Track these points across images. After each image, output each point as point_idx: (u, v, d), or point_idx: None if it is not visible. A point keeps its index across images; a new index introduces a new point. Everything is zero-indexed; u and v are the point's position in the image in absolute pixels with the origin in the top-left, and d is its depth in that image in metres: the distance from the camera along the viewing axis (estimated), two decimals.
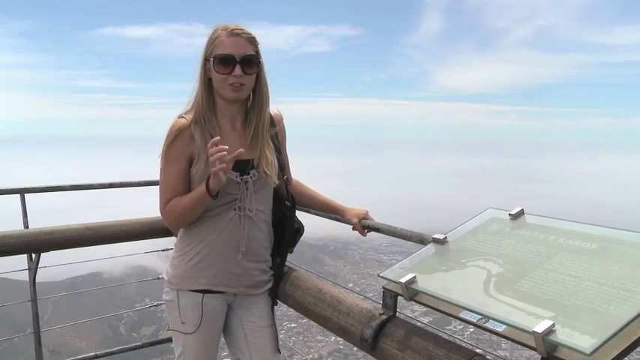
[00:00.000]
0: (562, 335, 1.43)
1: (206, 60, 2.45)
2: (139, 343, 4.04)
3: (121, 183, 3.99)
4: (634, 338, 1.39)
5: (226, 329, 2.75)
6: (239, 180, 2.49)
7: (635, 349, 1.40)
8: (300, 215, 2.97)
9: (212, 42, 2.43)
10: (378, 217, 2.79)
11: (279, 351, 2.76)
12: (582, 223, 1.93)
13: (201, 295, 2.57)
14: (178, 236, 2.67)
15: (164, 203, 2.49)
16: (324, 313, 2.37)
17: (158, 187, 2.53)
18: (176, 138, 2.41)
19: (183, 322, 2.58)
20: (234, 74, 2.39)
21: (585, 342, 1.37)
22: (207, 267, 2.55)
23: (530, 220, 2.09)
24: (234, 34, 2.41)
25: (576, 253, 1.77)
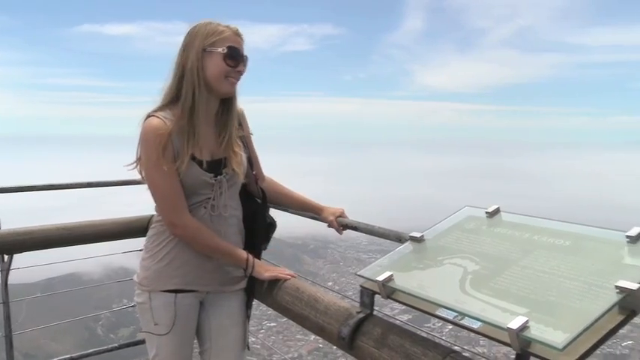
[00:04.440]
0: (536, 331, 1.45)
1: (203, 50, 2.37)
2: (116, 345, 3.99)
3: (98, 182, 3.94)
4: (604, 332, 1.43)
5: (196, 327, 2.73)
6: (213, 181, 2.47)
7: (605, 342, 1.42)
8: (279, 214, 2.97)
9: (216, 33, 2.37)
10: (357, 216, 2.80)
11: (247, 348, 2.75)
12: (557, 220, 1.96)
13: (174, 295, 2.54)
14: (147, 236, 2.64)
15: (173, 211, 2.42)
16: (301, 312, 2.36)
17: (150, 191, 2.45)
18: (165, 141, 2.34)
19: (156, 324, 2.55)
20: (238, 69, 2.42)
21: (558, 337, 1.39)
22: (179, 266, 2.52)
23: (506, 218, 2.11)
24: (238, 34, 2.43)
25: (551, 250, 1.79)
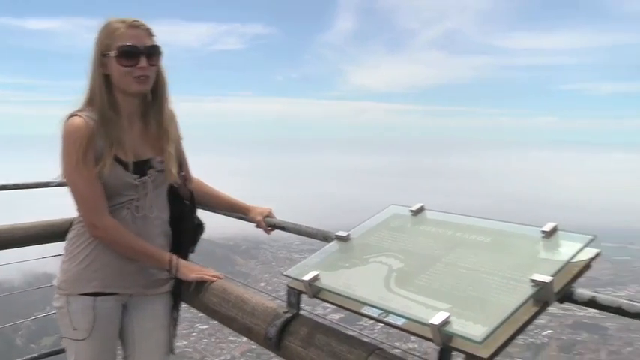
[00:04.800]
0: (457, 325, 1.49)
1: (102, 55, 2.31)
2: (36, 355, 3.81)
3: (16, 185, 3.77)
4: (520, 324, 1.49)
5: (119, 331, 2.64)
6: (137, 183, 2.41)
7: (520, 333, 1.49)
8: (208, 215, 2.93)
9: (109, 35, 2.29)
10: (286, 215, 2.80)
11: (172, 352, 2.70)
12: (478, 217, 2.02)
13: (93, 298, 2.45)
14: (67, 239, 2.55)
15: (94, 212, 2.35)
16: (228, 314, 2.34)
17: (71, 192, 2.36)
18: (86, 142, 2.26)
19: (75, 329, 2.45)
20: (139, 66, 2.29)
21: (477, 330, 1.44)
22: (99, 268, 2.44)
23: (430, 216, 2.16)
24: (134, 26, 2.32)
25: (472, 247, 1.85)
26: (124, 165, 2.35)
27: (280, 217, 2.82)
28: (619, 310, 1.51)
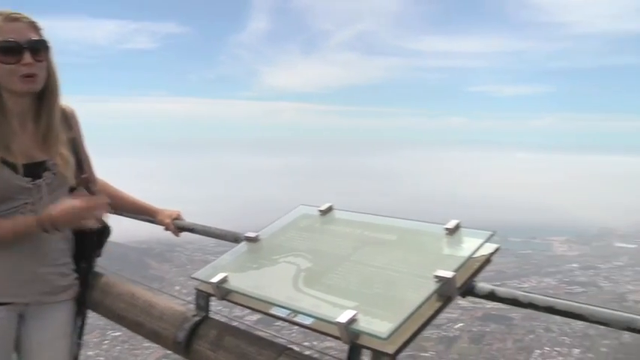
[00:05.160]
0: (363, 323, 1.51)
1: None
2: None
3: None
4: (424, 319, 1.54)
5: (16, 344, 2.49)
6: (30, 185, 2.28)
7: (425, 328, 1.53)
8: (118, 219, 2.83)
9: None
10: (199, 217, 2.75)
11: None
12: (385, 216, 2.06)
13: None
14: None
15: None
16: (136, 319, 2.27)
17: None
18: None
19: None
20: (23, 62, 2.12)
21: (383, 327, 1.46)
22: None
23: (339, 216, 2.18)
24: (13, 18, 2.14)
25: (379, 245, 1.89)
26: (13, 167, 2.22)
27: (192, 219, 2.77)
28: (515, 302, 1.58)
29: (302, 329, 1.68)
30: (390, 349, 1.45)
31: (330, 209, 2.19)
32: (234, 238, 2.31)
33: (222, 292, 1.90)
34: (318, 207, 2.20)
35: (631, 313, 1.43)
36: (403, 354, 1.49)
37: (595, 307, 1.48)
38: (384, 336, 1.43)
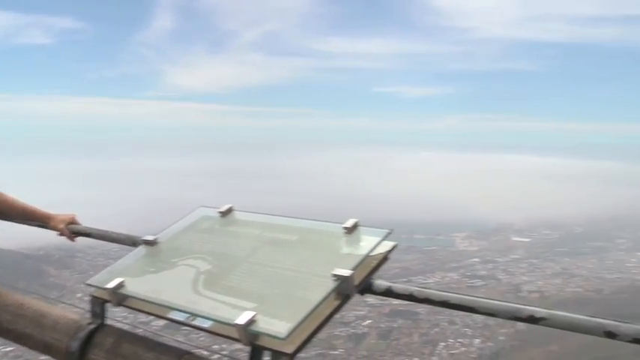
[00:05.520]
0: (262, 324, 1.51)
1: None
2: None
3: None
4: (323, 318, 1.56)
5: None
6: None
7: (324, 326, 1.55)
8: (9, 225, 2.68)
9: None
10: (100, 221, 2.65)
11: None
12: (286, 216, 2.06)
13: None
14: None
15: None
16: (25, 331, 2.15)
17: None
18: None
19: None
20: None
21: (282, 327, 1.47)
22: None
23: (239, 217, 2.17)
24: None
25: (279, 245, 1.89)
26: None
27: (91, 222, 2.66)
28: (411, 297, 1.63)
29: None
30: (289, 349, 1.46)
31: (230, 210, 2.17)
32: (132, 242, 2.24)
33: (119, 297, 1.84)
34: (218, 208, 2.18)
35: (516, 304, 1.52)
36: (313, 353, 1.50)
37: (485, 300, 1.55)
38: (282, 336, 1.44)
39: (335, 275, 1.59)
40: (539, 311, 1.48)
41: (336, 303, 1.60)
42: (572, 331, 1.47)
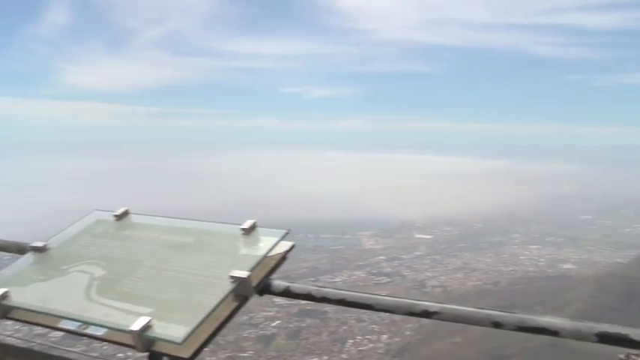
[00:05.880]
0: (159, 329, 1.48)
1: None
2: None
3: None
4: (221, 320, 1.55)
5: None
6: None
7: (222, 329, 1.54)
8: None
9: None
10: None
11: None
12: (183, 218, 2.03)
13: None
14: None
15: None
16: None
17: None
18: None
19: None
20: None
21: (179, 332, 1.44)
22: None
23: (136, 220, 2.11)
24: None
25: (176, 248, 1.86)
26: None
27: None
28: (309, 297, 1.65)
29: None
30: (186, 354, 1.44)
31: (126, 214, 2.11)
32: (18, 249, 2.12)
33: (3, 309, 1.74)
34: (113, 212, 2.11)
35: (411, 299, 1.57)
36: (223, 356, 1.48)
37: (381, 297, 1.59)
38: (179, 340, 1.42)
39: (232, 277, 1.58)
40: (433, 306, 1.54)
41: (234, 305, 1.59)
42: (463, 323, 1.54)
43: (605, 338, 1.33)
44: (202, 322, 1.48)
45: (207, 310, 1.50)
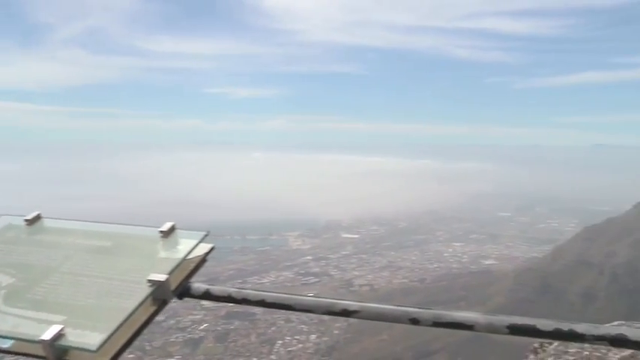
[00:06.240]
0: (72, 337, 1.42)
1: None
2: None
3: None
4: (139, 325, 1.51)
5: None
6: None
7: (140, 334, 1.50)
8: None
9: None
10: None
11: None
12: (100, 222, 1.96)
13: None
14: None
15: None
16: None
17: None
18: None
19: None
20: None
21: (93, 339, 1.39)
22: None
23: (48, 224, 2.02)
24: None
25: (92, 253, 1.79)
26: None
27: None
28: (230, 299, 1.63)
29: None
30: None
31: (38, 218, 2.02)
32: None
33: None
34: (24, 216, 2.01)
35: (330, 299, 1.59)
36: None
37: (300, 297, 1.60)
38: (93, 348, 1.37)
39: (150, 281, 1.55)
40: (352, 304, 1.56)
41: (153, 309, 1.55)
42: (383, 320, 1.57)
43: (515, 330, 1.39)
44: (119, 327, 1.43)
45: (124, 315, 1.46)
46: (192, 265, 1.70)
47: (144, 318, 1.53)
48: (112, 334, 1.42)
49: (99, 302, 1.56)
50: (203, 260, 1.75)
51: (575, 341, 1.39)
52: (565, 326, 1.36)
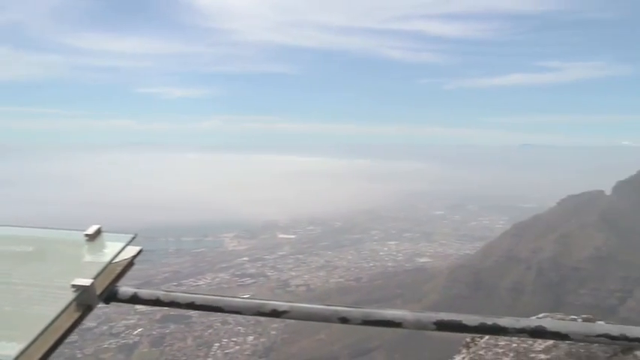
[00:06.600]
0: None
1: None
2: None
3: None
4: (62, 332, 1.45)
5: None
6: None
7: (63, 341, 1.45)
8: None
9: None
10: None
11: None
12: (20, 226, 1.88)
13: None
14: None
15: None
16: None
17: None
18: None
19: None
20: None
21: (11, 349, 1.34)
22: None
23: None
24: None
25: (11, 258, 1.71)
26: None
27: None
28: (158, 302, 1.60)
29: None
30: None
31: None
32: None
33: None
34: None
35: (259, 299, 1.57)
36: None
37: (229, 298, 1.58)
38: (11, 358, 1.31)
39: (74, 286, 1.50)
40: (282, 305, 1.56)
41: (77, 315, 1.50)
42: (313, 320, 1.57)
43: (442, 326, 1.42)
44: (39, 336, 1.38)
45: (46, 322, 1.40)
46: (119, 269, 1.65)
47: (67, 325, 1.48)
48: (31, 343, 1.36)
49: (19, 310, 1.50)
50: (131, 263, 1.71)
51: (500, 334, 1.44)
52: (489, 320, 1.41)
